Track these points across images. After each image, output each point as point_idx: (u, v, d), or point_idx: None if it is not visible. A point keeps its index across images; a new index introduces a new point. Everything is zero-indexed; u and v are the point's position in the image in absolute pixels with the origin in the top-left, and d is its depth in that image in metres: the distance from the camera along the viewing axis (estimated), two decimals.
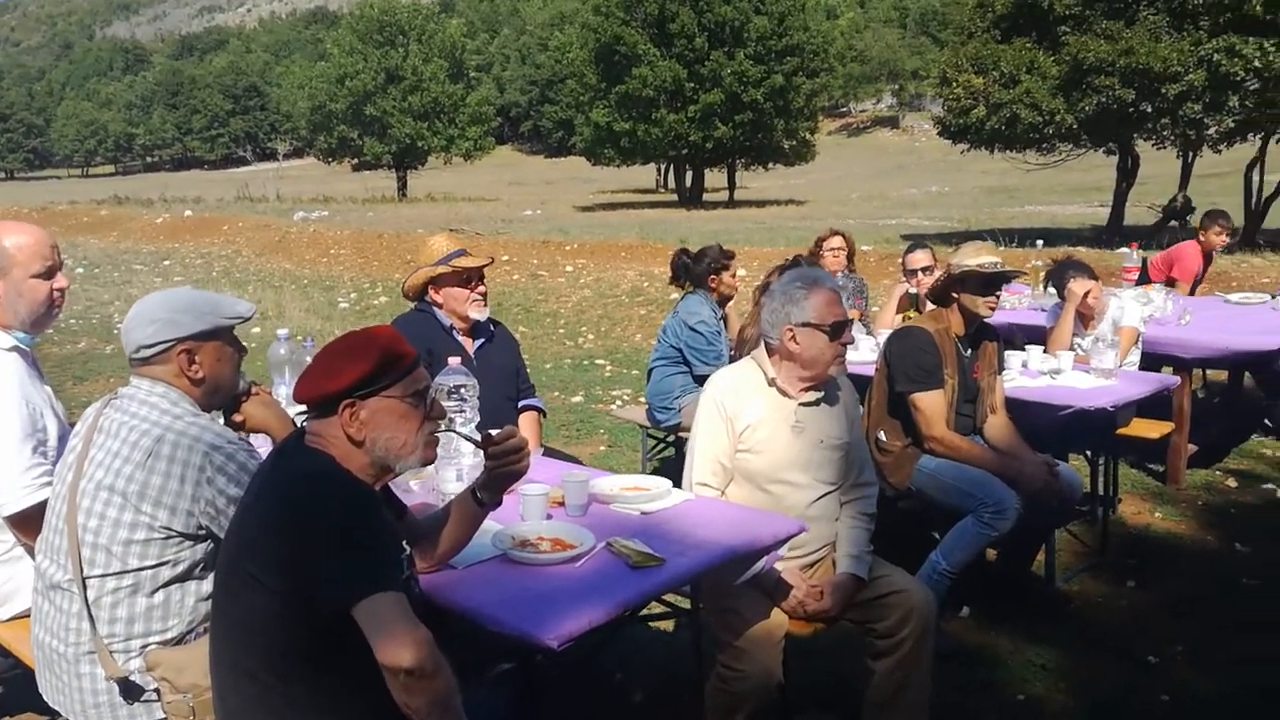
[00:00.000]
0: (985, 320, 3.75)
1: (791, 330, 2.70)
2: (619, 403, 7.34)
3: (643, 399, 7.20)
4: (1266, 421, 5.90)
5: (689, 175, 39.51)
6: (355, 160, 45.96)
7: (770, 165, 39.76)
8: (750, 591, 2.61)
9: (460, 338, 3.65)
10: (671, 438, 5.18)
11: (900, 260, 5.76)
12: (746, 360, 2.86)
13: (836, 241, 5.79)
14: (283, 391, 2.85)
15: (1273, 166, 16.94)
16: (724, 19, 34.84)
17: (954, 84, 18.73)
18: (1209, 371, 6.79)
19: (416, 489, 2.60)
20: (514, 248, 15.74)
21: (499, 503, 2.14)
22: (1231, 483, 5.24)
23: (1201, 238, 6.68)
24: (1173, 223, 18.68)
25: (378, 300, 12.39)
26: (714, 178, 41.30)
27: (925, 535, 4.26)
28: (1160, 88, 15.45)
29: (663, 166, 46.45)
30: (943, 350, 3.64)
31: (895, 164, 50.85)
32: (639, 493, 2.62)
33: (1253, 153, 17.18)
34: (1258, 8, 14.30)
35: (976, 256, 3.67)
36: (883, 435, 3.73)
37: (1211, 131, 16.36)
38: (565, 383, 8.11)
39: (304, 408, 1.88)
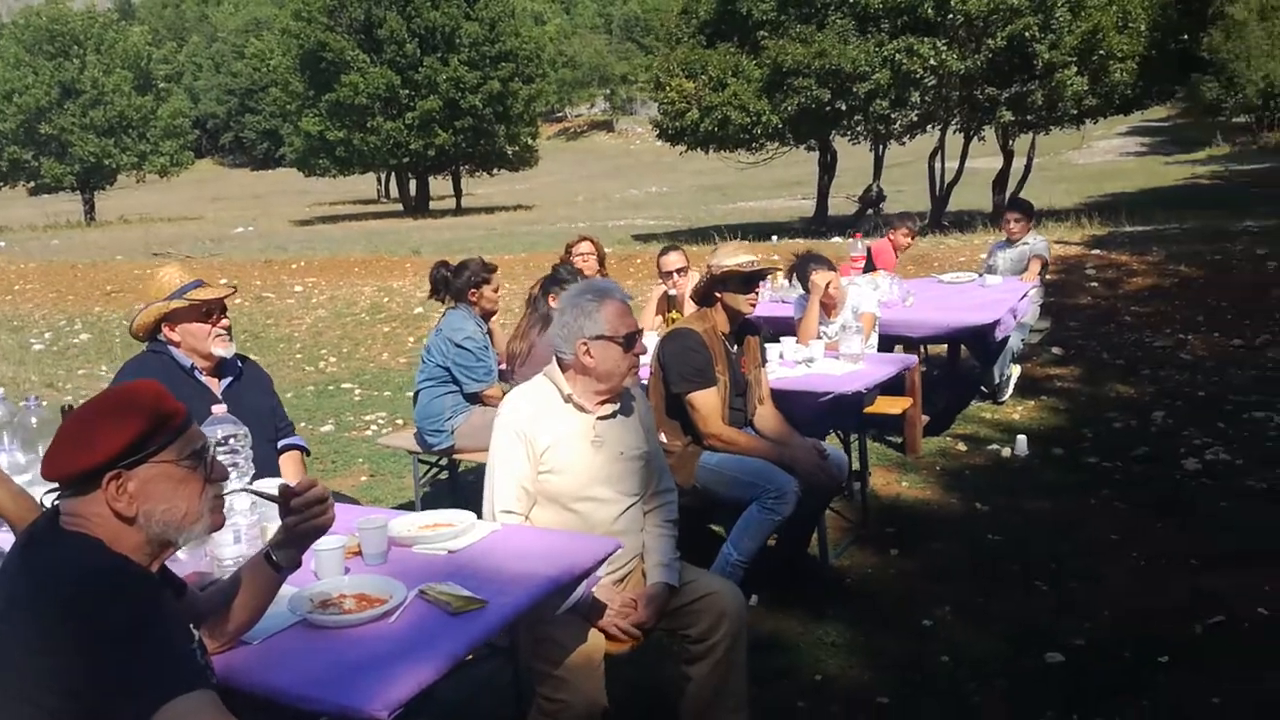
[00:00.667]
0: (747, 316, 3.87)
1: (585, 344, 2.64)
2: (374, 428, 6.99)
3: (400, 421, 6.93)
4: (982, 388, 6.52)
5: (413, 184, 38.60)
6: (31, 184, 41.24)
7: (495, 171, 39.65)
8: (565, 616, 2.51)
9: (204, 378, 3.28)
10: (445, 461, 4.97)
11: (656, 262, 5.84)
12: (539, 378, 2.76)
13: (586, 247, 5.80)
14: (2, 460, 2.42)
15: (951, 154, 18.86)
16: (434, 24, 34.30)
17: (667, 88, 19.43)
18: (928, 346, 7.42)
19: (184, 558, 2.29)
20: (232, 269, 14.67)
21: (298, 564, 1.91)
22: (962, 447, 5.74)
23: (891, 237, 7.22)
24: (869, 211, 20.41)
25: (78, 338, 11.11)
26: (439, 185, 40.62)
27: (706, 531, 4.36)
28: (852, 87, 16.78)
29: (383, 175, 45.09)
30: (712, 349, 3.72)
31: (614, 166, 52.27)
32: (442, 530, 2.45)
33: (933, 143, 19.09)
34: (929, 11, 15.84)
35: (735, 256, 3.78)
36: (663, 437, 3.74)
37: (897, 125, 17.97)
38: (311, 412, 7.62)
39: (53, 486, 1.58)
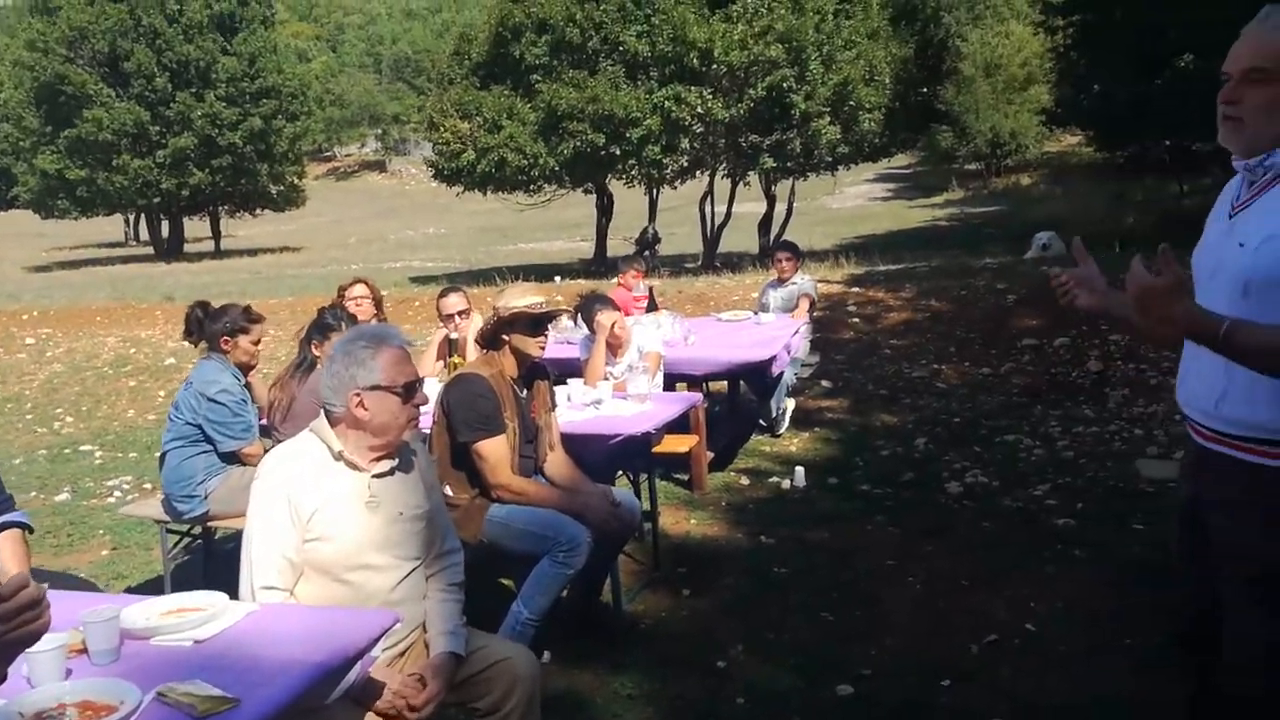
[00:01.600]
0: (536, 360, 3.73)
1: (359, 394, 2.40)
2: (117, 494, 6.29)
3: (149, 485, 6.28)
4: (761, 422, 6.67)
5: (165, 225, 36.02)
6: None
7: (258, 211, 37.67)
8: (336, 704, 2.24)
9: None
10: (198, 530, 4.49)
11: (435, 305, 5.60)
12: (304, 435, 2.49)
13: (360, 289, 5.48)
14: None
15: (720, 199, 19.61)
16: (187, 58, 32.36)
17: (442, 128, 19.17)
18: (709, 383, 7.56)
19: None
20: None
21: (4, 677, 1.58)
22: (745, 481, 5.82)
23: (621, 281, 7.28)
24: (646, 252, 20.85)
25: None
26: (195, 227, 38.13)
27: (495, 586, 4.16)
28: (625, 132, 17.14)
29: (132, 217, 41.82)
30: (500, 394, 3.55)
31: (388, 207, 51.04)
32: (188, 616, 2.13)
33: (703, 187, 19.78)
34: (695, 62, 16.44)
35: (523, 298, 3.64)
36: (448, 490, 3.52)
37: (669, 170, 18.51)
38: (44, 479, 6.79)
39: None
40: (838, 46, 17.67)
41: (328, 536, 2.38)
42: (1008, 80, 35.82)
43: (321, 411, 2.49)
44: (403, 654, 2.52)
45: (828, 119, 17.47)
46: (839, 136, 17.92)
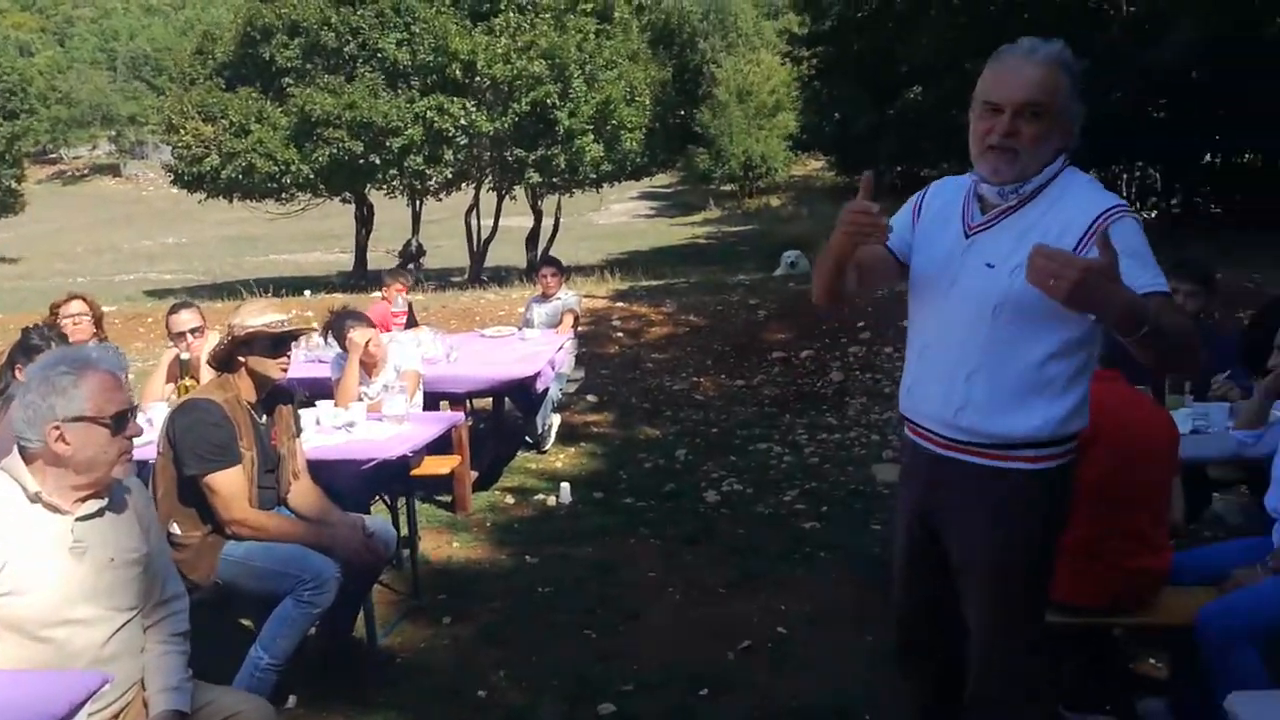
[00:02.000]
0: (278, 383, 3.49)
1: (59, 427, 2.12)
2: None
3: None
4: (526, 438, 6.61)
5: None
6: None
7: None
8: None
9: None
10: None
11: (165, 322, 5.14)
12: None
13: (77, 306, 4.94)
14: None
15: (486, 212, 19.43)
16: None
17: (182, 131, 17.91)
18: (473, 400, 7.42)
19: None
20: None
21: None
22: (510, 500, 5.74)
23: (385, 294, 7.04)
24: (410, 265, 20.34)
25: None
26: None
27: (229, 630, 3.86)
28: (385, 141, 16.66)
29: None
30: (235, 421, 3.28)
31: (122, 214, 47.06)
32: None
33: (469, 200, 19.54)
34: (458, 73, 16.23)
35: (261, 315, 3.39)
36: (176, 528, 3.23)
37: (433, 181, 18.16)
38: None
39: None
40: (599, 66, 18.00)
41: (21, 590, 2.09)
42: (758, 106, 37.87)
43: (15, 447, 2.20)
44: (117, 715, 2.26)
45: (591, 136, 17.73)
46: (602, 154, 18.23)
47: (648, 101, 19.58)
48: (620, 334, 9.32)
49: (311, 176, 17.60)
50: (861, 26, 20.04)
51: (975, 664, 2.25)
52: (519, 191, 19.74)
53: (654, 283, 11.82)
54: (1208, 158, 21.05)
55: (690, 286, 11.02)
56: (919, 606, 2.39)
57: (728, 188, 40.26)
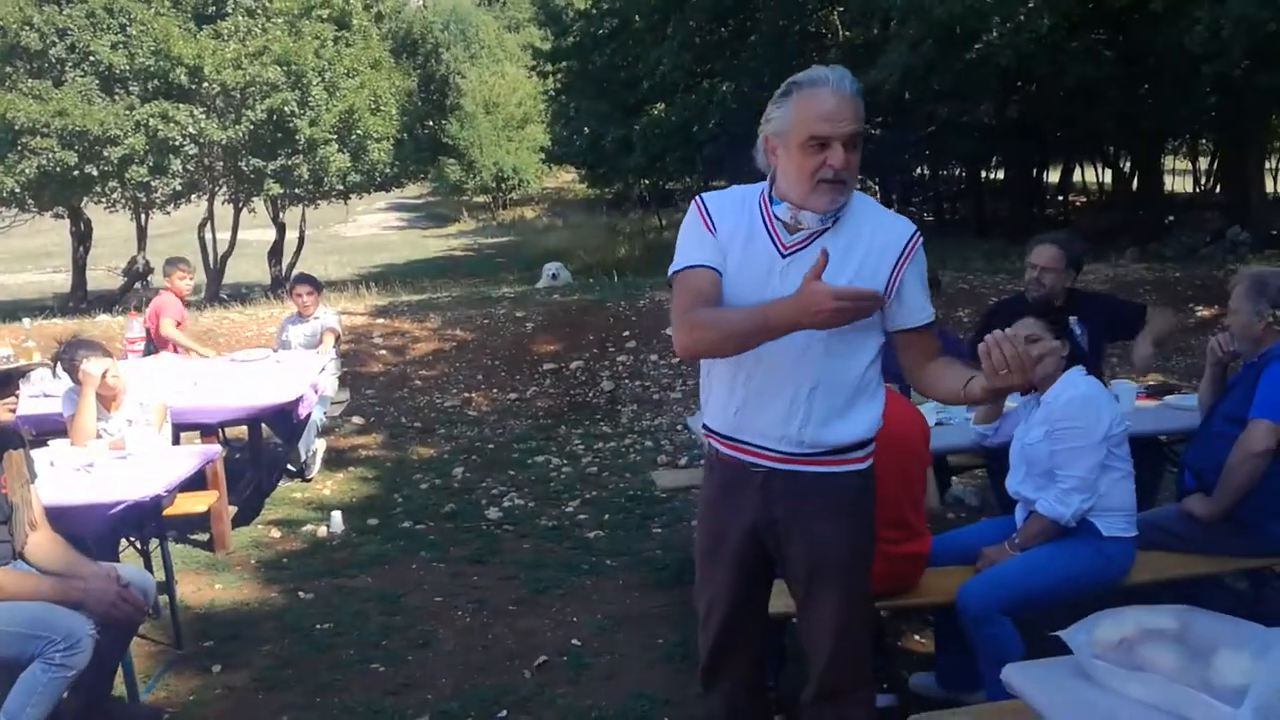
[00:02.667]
0: (6, 425, 3.10)
1: None
2: None
3: None
4: (289, 467, 6.25)
5: None
6: None
7: None
8: None
9: None
10: None
11: None
12: None
13: None
14: None
15: (223, 226, 18.22)
16: None
17: None
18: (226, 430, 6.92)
19: None
20: None
21: None
22: (276, 533, 5.41)
23: (169, 284, 6.93)
24: (136, 284, 18.75)
25: None
26: None
27: None
28: (103, 151, 15.28)
29: None
30: None
31: None
32: None
33: (202, 213, 18.25)
34: (183, 79, 15.15)
35: None
36: None
37: (159, 194, 16.82)
38: None
39: None
40: (340, 74, 17.38)
41: None
42: (507, 118, 37.85)
43: None
44: None
45: (335, 146, 17.06)
46: (349, 164, 17.59)
47: (394, 111, 19.12)
48: (384, 352, 9.02)
49: (17, 190, 15.81)
50: (602, 44, 20.51)
51: (824, 659, 2.31)
52: (258, 203, 18.67)
53: (416, 297, 11.53)
54: (919, 170, 23.22)
55: (454, 300, 10.83)
56: (740, 614, 2.41)
57: (481, 199, 39.94)
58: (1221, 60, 10.57)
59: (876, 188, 26.03)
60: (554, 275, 13.59)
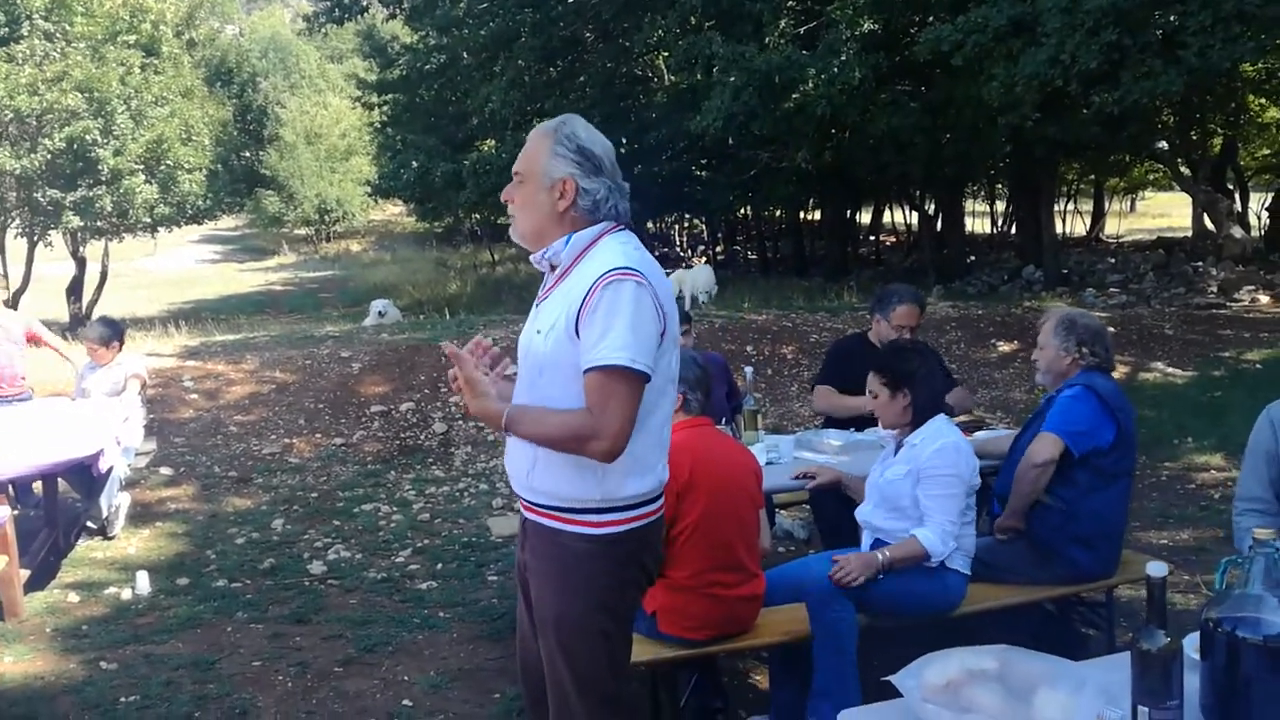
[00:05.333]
0: None
1: None
2: None
3: None
4: (89, 524, 5.79)
5: None
6: None
7: None
8: None
9: None
10: None
11: None
12: None
13: None
14: None
15: (15, 260, 16.84)
16: None
17: None
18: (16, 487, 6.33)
19: None
20: None
21: None
22: (74, 597, 4.97)
23: None
24: None
25: None
26: None
27: None
28: None
29: None
30: None
31: None
32: None
33: None
34: None
35: None
36: None
37: None
38: None
39: None
40: (148, 102, 16.49)
41: None
42: (329, 150, 36.84)
43: None
44: None
45: (143, 177, 16.12)
46: (157, 196, 16.64)
47: (207, 141, 18.29)
48: (195, 396, 8.50)
49: None
50: (429, 78, 20.29)
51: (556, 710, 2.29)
52: (56, 236, 17.38)
53: (231, 337, 10.93)
54: (743, 212, 24.04)
55: (273, 340, 10.34)
56: (531, 661, 2.39)
57: (302, 231, 38.60)
58: (1014, 112, 11.48)
59: (703, 228, 26.83)
60: (381, 313, 13.22)
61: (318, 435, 7.91)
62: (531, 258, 2.28)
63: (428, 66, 20.25)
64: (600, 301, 2.07)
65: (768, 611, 3.31)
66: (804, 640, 3.22)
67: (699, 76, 15.07)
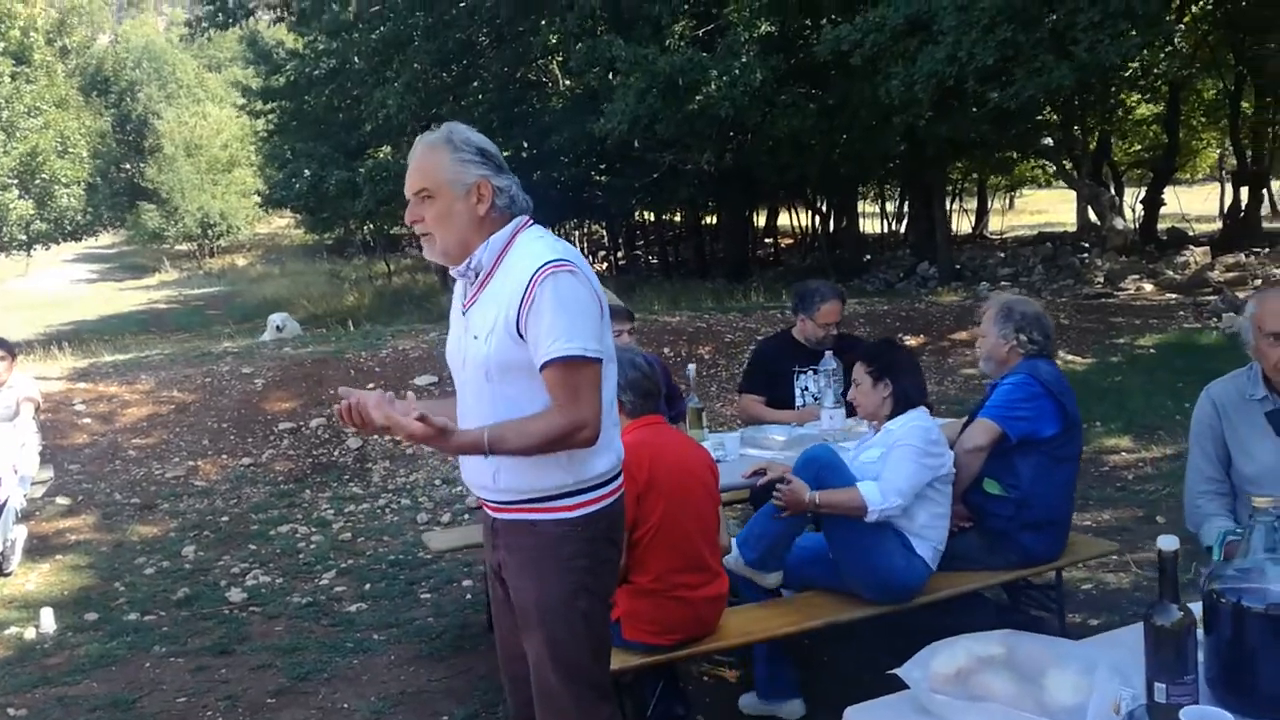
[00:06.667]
0: None
1: None
2: None
3: None
4: None
5: None
6: None
7: None
8: None
9: None
10: None
11: None
12: None
13: None
14: None
15: None
16: None
17: None
18: None
19: None
20: None
21: None
22: None
23: None
24: None
25: None
26: None
27: None
28: None
29: None
30: None
31: None
32: None
33: None
34: None
35: None
36: None
37: None
38: None
39: None
40: (19, 113, 15.61)
41: None
42: (211, 161, 35.56)
43: None
44: None
45: (16, 192, 15.24)
46: (33, 212, 15.76)
47: (85, 153, 17.42)
48: (88, 420, 8.00)
49: None
50: (319, 84, 19.75)
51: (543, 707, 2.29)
52: None
53: (121, 357, 10.34)
54: (643, 216, 24.08)
55: (168, 358, 9.82)
56: (517, 670, 2.36)
57: (184, 247, 37.11)
58: (910, 111, 11.75)
59: (604, 232, 26.78)
60: (279, 327, 12.74)
61: (224, 456, 7.53)
62: (455, 271, 2.26)
63: (316, 72, 19.72)
64: (541, 298, 2.09)
65: (731, 612, 3.26)
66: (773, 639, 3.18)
67: (600, 79, 15.03)
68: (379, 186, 16.97)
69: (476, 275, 2.23)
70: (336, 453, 7.63)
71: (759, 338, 8.37)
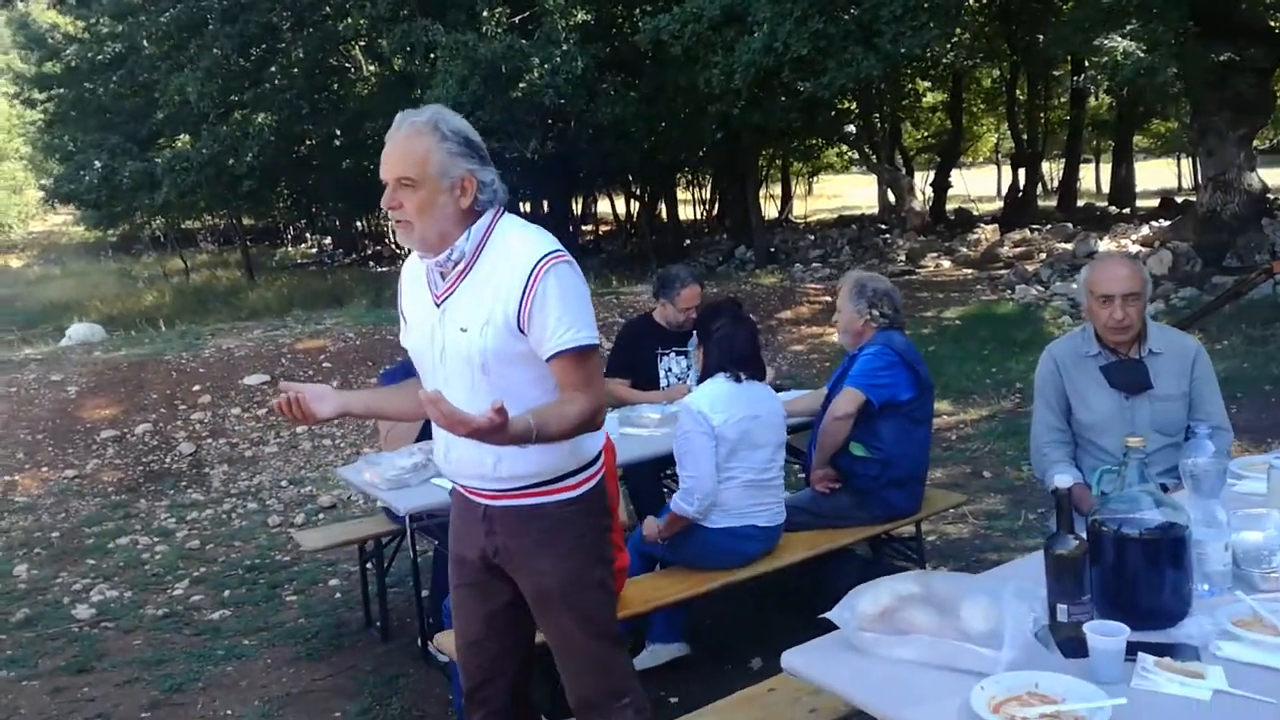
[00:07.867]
0: None
1: None
2: None
3: None
4: None
5: None
6: None
7: None
8: None
9: None
10: None
11: None
12: None
13: None
14: None
15: None
16: None
17: None
18: None
19: None
20: None
21: None
22: None
23: None
24: None
25: None
26: None
27: None
28: None
29: None
30: None
31: None
32: None
33: None
34: None
35: None
36: None
37: None
38: None
39: None
40: None
41: None
42: None
43: None
44: None
45: None
46: None
47: None
48: None
49: None
50: (103, 70, 18.34)
51: (569, 677, 2.37)
52: None
53: None
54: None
55: None
56: (492, 636, 2.39)
57: None
58: (724, 100, 12.16)
59: (566, 214, 26.18)
60: (67, 336, 11.79)
61: (44, 469, 6.99)
62: (434, 261, 2.18)
63: (100, 57, 18.27)
64: (546, 290, 2.10)
65: (631, 583, 3.37)
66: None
67: (413, 64, 14.71)
68: (180, 177, 15.96)
69: (455, 265, 2.18)
70: (169, 459, 7.23)
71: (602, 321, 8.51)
